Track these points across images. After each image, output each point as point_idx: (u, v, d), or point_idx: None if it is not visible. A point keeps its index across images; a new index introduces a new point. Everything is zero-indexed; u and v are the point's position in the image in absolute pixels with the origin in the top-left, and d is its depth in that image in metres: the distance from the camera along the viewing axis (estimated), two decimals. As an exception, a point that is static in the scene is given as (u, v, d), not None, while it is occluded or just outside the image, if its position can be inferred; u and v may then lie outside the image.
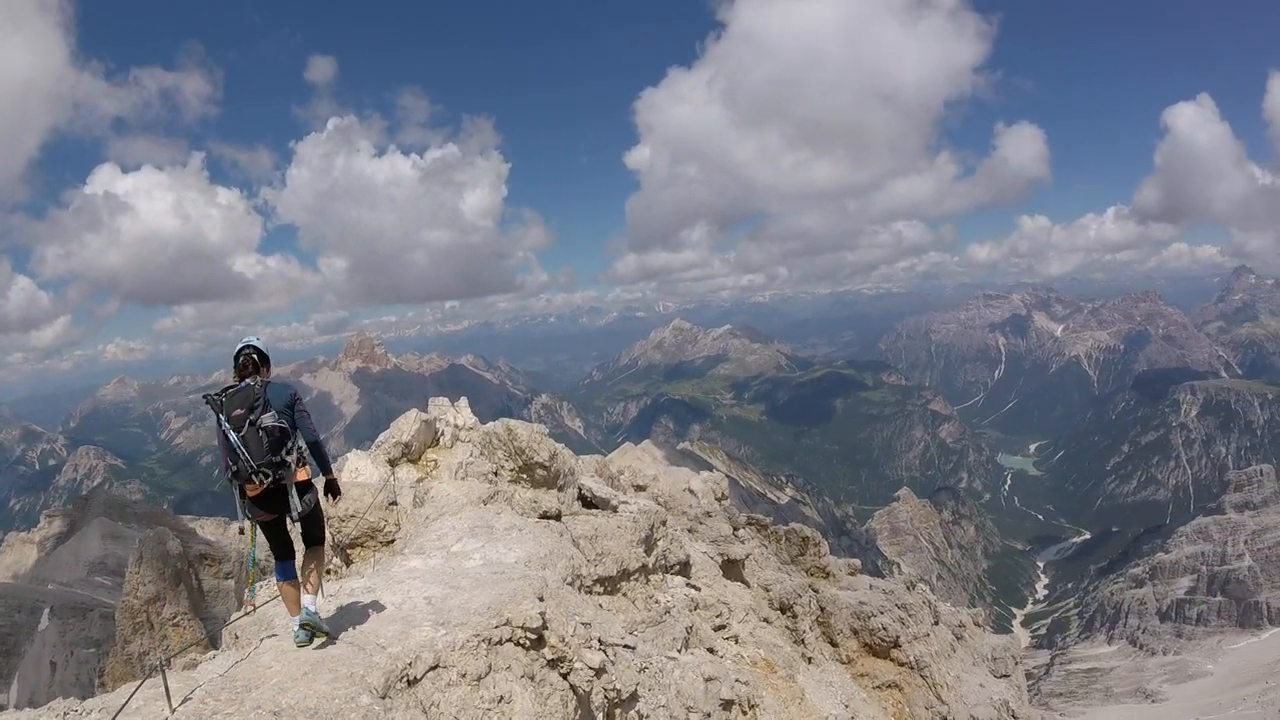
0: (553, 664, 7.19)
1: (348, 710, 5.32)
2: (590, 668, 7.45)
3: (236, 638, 8.04)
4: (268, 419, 5.88)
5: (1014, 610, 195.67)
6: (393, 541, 12.30)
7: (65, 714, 5.31)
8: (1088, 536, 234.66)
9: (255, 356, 6.18)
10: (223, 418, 5.84)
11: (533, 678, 6.88)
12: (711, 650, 13.48)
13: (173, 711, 5.29)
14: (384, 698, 5.68)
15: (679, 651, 11.99)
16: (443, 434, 17.62)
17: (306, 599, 6.29)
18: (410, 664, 6.07)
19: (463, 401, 19.19)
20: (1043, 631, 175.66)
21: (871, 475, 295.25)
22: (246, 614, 7.95)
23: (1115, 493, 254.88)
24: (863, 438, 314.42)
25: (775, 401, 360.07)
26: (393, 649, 6.29)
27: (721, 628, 15.60)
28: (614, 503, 16.76)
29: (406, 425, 16.84)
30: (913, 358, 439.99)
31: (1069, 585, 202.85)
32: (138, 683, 5.47)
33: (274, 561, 6.54)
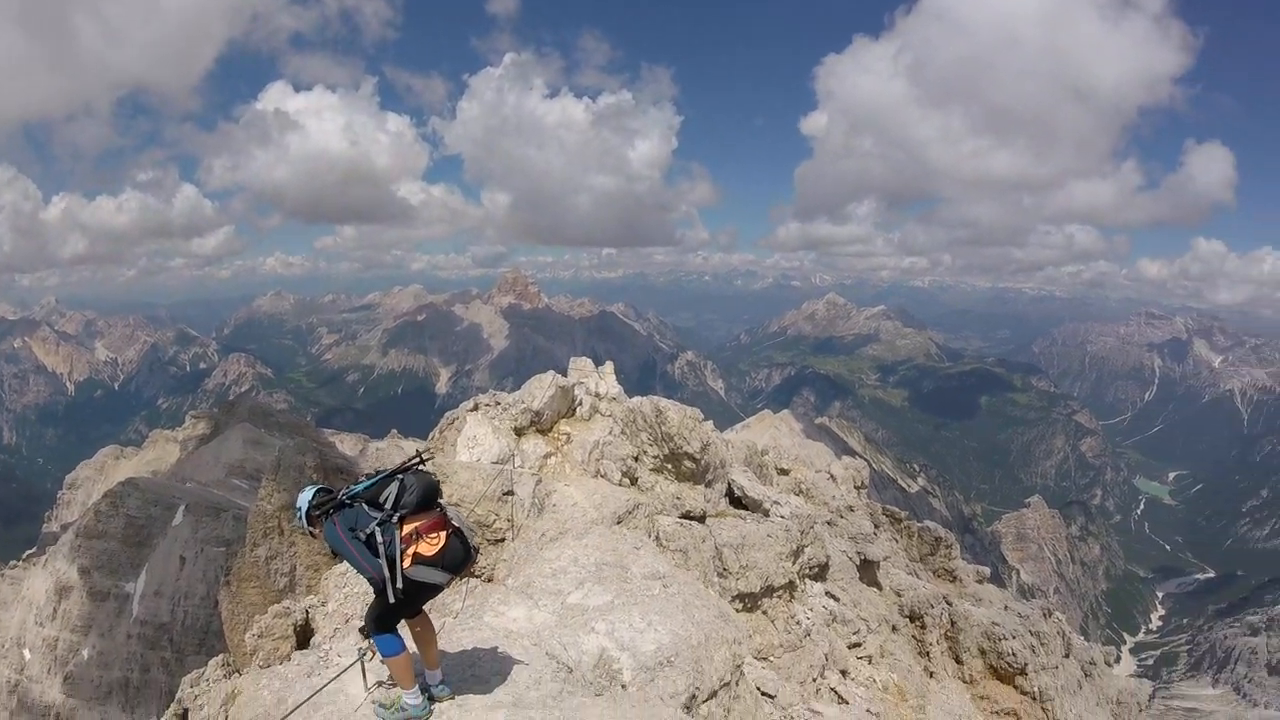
0: None
1: None
2: None
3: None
4: None
5: (1125, 636, 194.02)
6: (501, 540, 10.36)
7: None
8: (1212, 575, 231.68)
9: None
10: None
11: None
12: (844, 673, 12.74)
13: None
14: None
15: (818, 694, 11.32)
16: (580, 402, 15.54)
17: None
18: None
19: (607, 366, 16.87)
20: (1150, 662, 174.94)
21: (1005, 478, 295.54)
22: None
23: (1247, 536, 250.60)
24: (1002, 439, 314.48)
25: (920, 389, 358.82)
26: None
27: (857, 645, 14.59)
28: (765, 504, 15.60)
29: (540, 390, 14.73)
30: (1065, 365, 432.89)
31: (1184, 620, 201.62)
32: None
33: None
